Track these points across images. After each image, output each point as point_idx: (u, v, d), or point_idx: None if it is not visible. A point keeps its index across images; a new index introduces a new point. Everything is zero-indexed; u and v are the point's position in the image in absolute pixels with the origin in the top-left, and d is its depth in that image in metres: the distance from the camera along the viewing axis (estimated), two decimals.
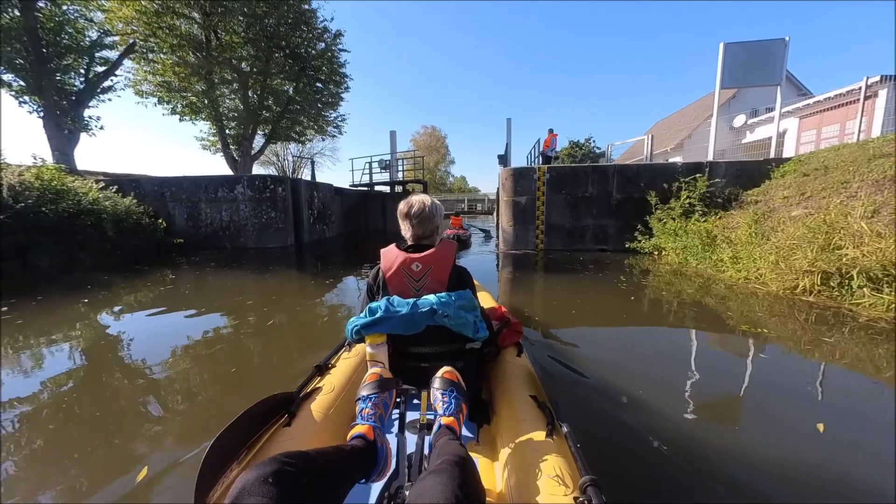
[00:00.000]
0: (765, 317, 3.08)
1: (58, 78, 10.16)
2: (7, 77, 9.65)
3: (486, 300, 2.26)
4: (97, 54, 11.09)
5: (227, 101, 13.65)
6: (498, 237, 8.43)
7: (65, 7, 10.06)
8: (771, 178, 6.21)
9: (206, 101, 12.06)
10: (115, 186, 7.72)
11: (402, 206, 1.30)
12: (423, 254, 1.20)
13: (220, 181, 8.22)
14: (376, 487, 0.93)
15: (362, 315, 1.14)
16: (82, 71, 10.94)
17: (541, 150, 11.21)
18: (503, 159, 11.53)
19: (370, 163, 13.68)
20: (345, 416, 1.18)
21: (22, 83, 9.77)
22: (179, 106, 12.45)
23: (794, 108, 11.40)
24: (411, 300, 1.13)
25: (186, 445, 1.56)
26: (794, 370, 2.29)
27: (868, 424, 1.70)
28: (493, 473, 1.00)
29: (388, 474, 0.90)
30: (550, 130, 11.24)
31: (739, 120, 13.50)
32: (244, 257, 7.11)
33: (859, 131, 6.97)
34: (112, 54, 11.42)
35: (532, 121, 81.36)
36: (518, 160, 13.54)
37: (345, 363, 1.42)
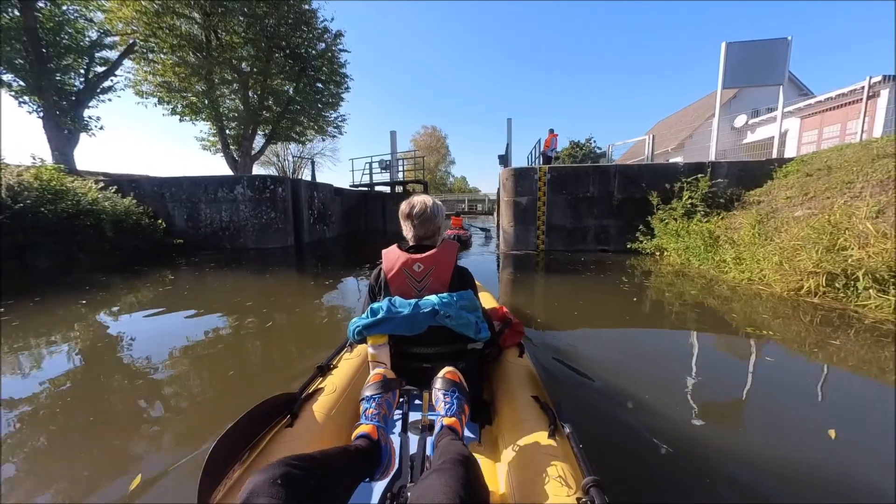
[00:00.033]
0: (769, 318, 3.05)
1: (57, 78, 10.14)
2: (7, 77, 9.63)
3: (487, 300, 2.25)
4: (97, 54, 11.07)
5: (228, 101, 13.63)
6: (498, 237, 8.40)
7: (64, 7, 10.04)
8: (773, 178, 6.18)
9: (206, 102, 12.04)
10: (115, 187, 7.70)
11: (403, 207, 1.29)
12: (424, 254, 1.20)
13: (220, 181, 8.20)
14: (379, 487, 0.93)
15: (364, 316, 1.14)
16: (82, 71, 10.92)
17: (541, 150, 11.18)
18: (504, 159, 11.51)
19: (370, 163, 13.67)
20: (347, 417, 1.18)
21: (22, 83, 9.75)
22: (179, 106, 12.43)
23: (796, 108, 11.37)
24: (413, 301, 1.13)
25: (186, 447, 1.54)
26: (799, 372, 2.26)
27: (869, 426, 1.68)
28: (495, 474, 0.99)
29: (392, 474, 0.90)
30: (551, 130, 11.21)
31: (740, 120, 13.47)
32: (244, 258, 7.09)
33: (862, 131, 6.94)
34: (112, 54, 11.40)
35: (532, 121, 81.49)
36: (518, 160, 13.52)
37: (346, 364, 1.42)
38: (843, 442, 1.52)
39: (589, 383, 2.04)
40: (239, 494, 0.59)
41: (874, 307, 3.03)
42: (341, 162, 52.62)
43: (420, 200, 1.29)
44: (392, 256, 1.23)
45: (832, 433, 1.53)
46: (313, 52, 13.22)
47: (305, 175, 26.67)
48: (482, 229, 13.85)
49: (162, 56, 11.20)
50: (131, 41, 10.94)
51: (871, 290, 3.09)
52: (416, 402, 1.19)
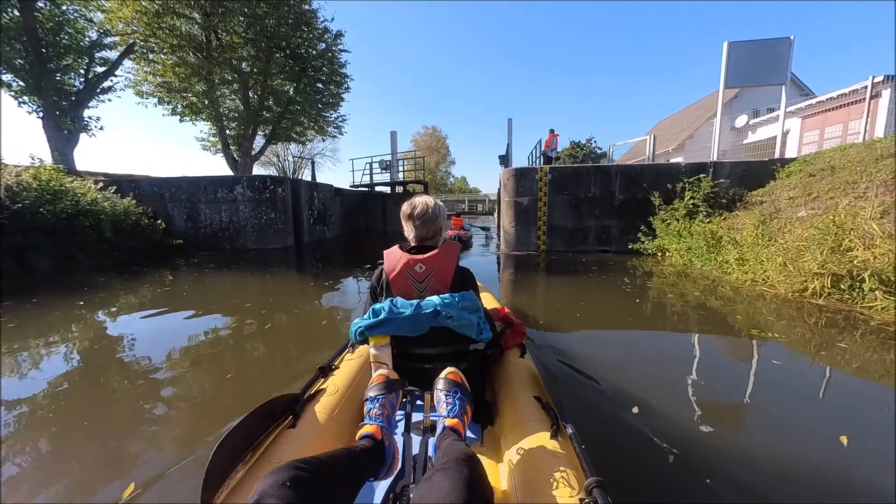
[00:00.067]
0: (773, 320, 3.02)
1: (57, 78, 10.10)
2: (7, 77, 9.61)
3: (489, 301, 2.25)
4: (97, 54, 11.04)
5: (228, 101, 13.61)
6: (499, 238, 8.37)
7: (64, 7, 10.02)
8: (776, 178, 6.15)
9: (206, 102, 12.01)
10: (114, 187, 7.68)
11: (405, 208, 1.29)
12: (426, 255, 1.20)
13: (220, 182, 8.17)
14: (382, 486, 0.94)
15: (366, 316, 1.14)
16: (82, 71, 10.88)
17: (542, 150, 11.16)
18: (504, 160, 11.48)
19: (370, 163, 13.65)
20: (349, 418, 1.19)
21: (21, 83, 9.73)
22: (180, 106, 12.41)
23: (797, 109, 11.33)
24: (415, 301, 1.13)
25: (184, 449, 1.54)
26: (804, 375, 2.24)
27: (877, 429, 1.67)
28: (497, 475, 0.99)
29: (395, 473, 0.91)
30: (551, 131, 11.19)
31: (741, 120, 13.42)
32: (243, 258, 7.06)
33: (865, 131, 6.90)
34: (112, 54, 11.37)
35: (533, 121, 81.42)
36: (519, 160, 13.47)
37: (348, 364, 1.42)
38: (848, 445, 1.51)
39: (590, 384, 2.04)
40: (249, 496, 0.61)
41: (880, 309, 2.99)
42: (341, 162, 52.59)
43: (422, 201, 1.28)
44: (394, 257, 1.23)
45: (844, 440, 1.50)
46: (313, 52, 13.20)
47: (305, 175, 26.68)
48: (482, 228, 13.85)
49: (162, 56, 11.18)
50: (131, 41, 10.92)
51: (877, 292, 3.06)
52: (418, 402, 1.19)
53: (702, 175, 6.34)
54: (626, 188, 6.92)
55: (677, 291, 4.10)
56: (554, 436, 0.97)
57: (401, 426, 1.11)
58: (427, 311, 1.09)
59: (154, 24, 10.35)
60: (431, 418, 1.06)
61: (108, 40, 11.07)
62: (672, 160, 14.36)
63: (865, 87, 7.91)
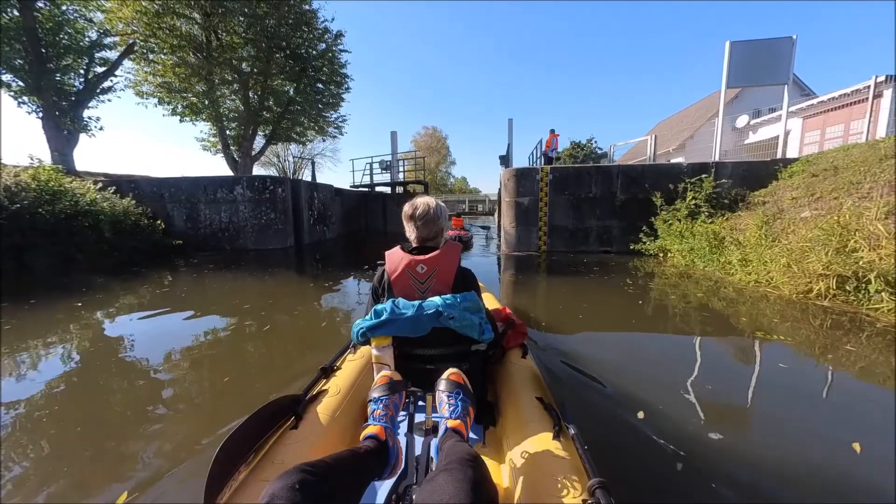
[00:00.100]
0: (778, 322, 2.99)
1: (57, 78, 10.08)
2: (6, 77, 9.59)
3: (490, 301, 2.24)
4: (97, 55, 11.02)
5: (228, 101, 13.58)
6: (499, 238, 8.34)
7: (64, 7, 10.00)
8: (778, 178, 6.11)
9: (206, 102, 11.99)
10: (114, 187, 7.65)
11: (406, 208, 1.30)
12: (427, 256, 1.20)
13: (220, 182, 8.15)
14: (385, 486, 0.94)
15: (368, 317, 1.14)
16: (82, 71, 10.86)
17: (542, 150, 11.13)
18: (505, 160, 11.45)
19: (371, 163, 13.63)
20: (351, 418, 1.19)
21: (21, 83, 9.71)
22: (180, 107, 12.38)
23: (798, 109, 11.29)
24: (417, 302, 1.13)
25: (183, 450, 1.54)
26: (809, 377, 2.21)
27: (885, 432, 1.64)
28: (499, 476, 0.99)
29: (398, 473, 0.92)
30: (552, 131, 11.16)
31: (742, 120, 13.39)
32: (243, 259, 7.03)
33: (868, 131, 6.87)
34: (112, 55, 11.35)
35: (533, 121, 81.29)
36: (519, 161, 13.45)
37: (350, 365, 1.42)
38: (861, 453, 1.48)
39: (592, 385, 2.02)
40: (260, 497, 0.62)
41: (887, 310, 2.96)
42: (342, 162, 52.54)
43: (423, 202, 1.28)
44: (395, 258, 1.23)
45: (857, 446, 1.47)
46: (314, 52, 13.18)
47: (306, 175, 26.67)
48: (482, 227, 13.85)
49: (162, 56, 11.16)
50: (131, 41, 10.90)
51: (883, 294, 3.02)
52: (420, 403, 1.19)
53: (704, 175, 6.31)
54: (627, 188, 6.89)
55: (680, 293, 4.06)
56: (556, 436, 0.96)
57: (403, 426, 1.11)
58: (429, 311, 1.09)
59: (154, 24, 10.33)
60: (433, 419, 1.06)
61: (107, 40, 11.05)
62: (673, 160, 14.32)
63: (867, 86, 7.87)
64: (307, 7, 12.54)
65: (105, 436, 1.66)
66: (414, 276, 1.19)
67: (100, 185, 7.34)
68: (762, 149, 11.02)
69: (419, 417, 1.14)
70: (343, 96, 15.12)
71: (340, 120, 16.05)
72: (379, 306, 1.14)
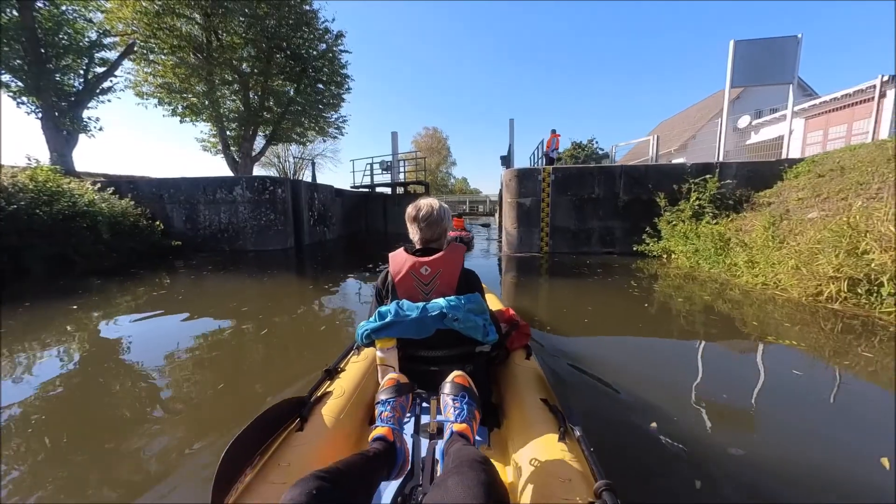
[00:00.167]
0: (788, 326, 2.92)
1: (56, 78, 10.04)
2: (5, 77, 9.54)
3: (493, 303, 2.22)
4: (96, 55, 10.97)
5: (228, 102, 13.54)
6: (500, 238, 8.28)
7: (63, 7, 9.96)
8: (783, 179, 6.05)
9: (206, 103, 11.95)
10: (112, 188, 7.59)
11: (410, 210, 1.29)
12: (431, 257, 1.20)
13: (219, 182, 8.09)
14: (392, 487, 0.95)
15: (372, 319, 1.14)
16: (81, 72, 10.82)
17: (544, 150, 11.07)
18: (506, 160, 11.39)
19: (371, 164, 13.58)
20: (356, 420, 1.20)
21: (20, 84, 9.66)
22: (180, 107, 12.35)
23: (800, 109, 11.23)
24: (421, 304, 1.13)
25: (183, 450, 1.53)
26: (821, 383, 2.15)
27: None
28: (505, 478, 0.98)
29: (405, 474, 0.93)
30: (553, 131, 11.10)
31: (744, 121, 13.33)
32: (243, 260, 6.97)
33: (874, 131, 6.80)
34: (111, 55, 11.31)
35: (533, 121, 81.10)
36: (520, 161, 13.38)
37: (354, 367, 1.42)
38: (883, 465, 1.42)
39: (598, 387, 2.00)
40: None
41: None
42: (342, 163, 52.37)
43: (427, 203, 1.28)
44: (399, 260, 1.23)
45: (885, 462, 1.40)
46: (314, 52, 13.15)
47: (306, 176, 26.64)
48: (483, 226, 13.82)
49: (162, 57, 11.13)
50: (131, 42, 10.86)
51: None
52: (424, 404, 1.19)
53: (708, 176, 6.24)
54: (630, 189, 6.83)
55: (685, 295, 4.00)
56: (562, 438, 0.95)
57: (408, 427, 1.10)
58: (433, 313, 1.09)
59: (154, 24, 10.30)
60: (438, 422, 1.06)
61: (107, 40, 11.00)
62: (674, 161, 14.27)
63: (871, 86, 7.82)
64: (308, 7, 12.51)
65: (103, 438, 1.65)
66: (418, 278, 1.19)
67: (98, 185, 7.29)
68: (765, 149, 10.95)
69: (424, 419, 1.14)
70: (343, 97, 15.08)
71: (341, 120, 16.02)
72: (383, 308, 1.14)
